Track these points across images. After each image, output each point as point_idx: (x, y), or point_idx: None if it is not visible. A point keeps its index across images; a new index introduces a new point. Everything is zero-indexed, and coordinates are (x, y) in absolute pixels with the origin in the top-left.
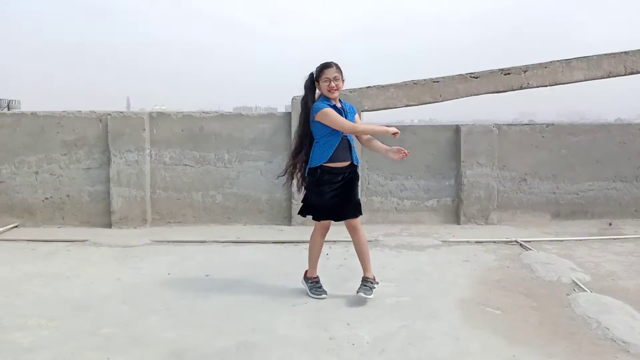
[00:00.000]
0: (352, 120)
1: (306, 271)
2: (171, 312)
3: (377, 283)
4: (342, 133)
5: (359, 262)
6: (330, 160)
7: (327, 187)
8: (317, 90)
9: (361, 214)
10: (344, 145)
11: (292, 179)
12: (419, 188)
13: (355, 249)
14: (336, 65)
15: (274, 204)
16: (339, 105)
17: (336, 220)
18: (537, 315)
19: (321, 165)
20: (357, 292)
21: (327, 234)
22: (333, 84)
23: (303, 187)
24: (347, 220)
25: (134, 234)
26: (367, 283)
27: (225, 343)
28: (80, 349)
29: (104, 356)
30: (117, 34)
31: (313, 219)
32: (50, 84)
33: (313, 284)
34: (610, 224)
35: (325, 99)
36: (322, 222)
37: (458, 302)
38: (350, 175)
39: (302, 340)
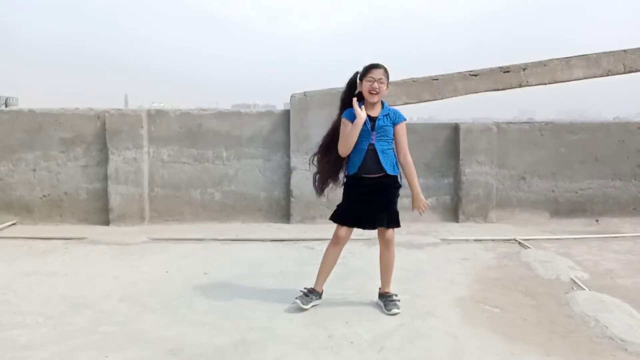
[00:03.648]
0: (388, 131)
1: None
2: (169, 310)
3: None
4: (367, 144)
5: (358, 260)
6: (360, 171)
7: (356, 193)
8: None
9: (397, 226)
10: (372, 156)
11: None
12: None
13: (381, 263)
14: (385, 68)
15: (272, 202)
16: (375, 112)
17: (362, 227)
18: (535, 313)
19: (354, 175)
20: (389, 310)
21: (327, 233)
22: (376, 85)
23: (321, 187)
24: (380, 230)
25: (131, 231)
26: (391, 298)
27: (224, 341)
28: (79, 346)
29: (102, 354)
30: (116, 32)
31: (335, 221)
32: (49, 81)
33: (306, 292)
34: (597, 221)
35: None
36: (340, 231)
37: (456, 300)
38: (384, 185)
39: (301, 338)
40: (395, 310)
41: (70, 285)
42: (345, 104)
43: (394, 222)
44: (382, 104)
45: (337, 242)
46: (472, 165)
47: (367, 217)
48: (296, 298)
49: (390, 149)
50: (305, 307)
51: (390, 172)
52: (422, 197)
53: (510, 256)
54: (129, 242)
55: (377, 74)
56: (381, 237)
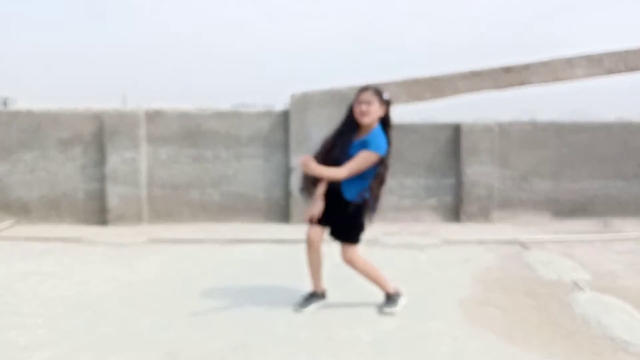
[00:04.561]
0: (350, 153)
1: None
2: (168, 311)
3: (400, 295)
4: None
5: None
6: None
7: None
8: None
9: (343, 240)
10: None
11: None
12: (419, 186)
13: None
14: (374, 89)
15: (272, 202)
16: (359, 136)
17: (323, 225)
18: (537, 314)
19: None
20: (380, 308)
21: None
22: (363, 107)
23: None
24: (341, 251)
25: (130, 232)
26: (388, 298)
27: (223, 343)
28: (77, 348)
29: (100, 356)
30: (115, 32)
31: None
32: (47, 81)
33: (306, 297)
34: (605, 224)
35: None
36: (310, 231)
37: (458, 301)
38: (334, 198)
39: (301, 340)
40: (385, 309)
41: (69, 286)
42: (346, 126)
43: (344, 236)
44: (373, 129)
45: (308, 244)
46: (474, 165)
47: (325, 219)
48: (296, 304)
49: (357, 178)
50: (304, 310)
51: (347, 196)
52: (315, 204)
53: (511, 257)
54: (128, 243)
55: (363, 96)
56: (342, 256)
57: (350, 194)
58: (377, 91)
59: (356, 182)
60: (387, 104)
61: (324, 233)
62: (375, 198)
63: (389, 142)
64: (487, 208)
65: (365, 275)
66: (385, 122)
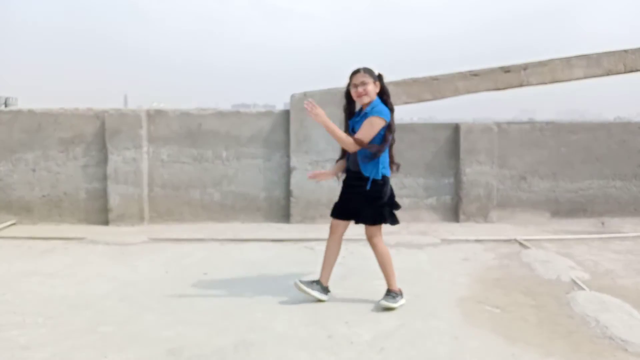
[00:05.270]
0: (356, 126)
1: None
2: (169, 310)
3: (401, 295)
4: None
5: (357, 260)
6: (347, 164)
7: (343, 185)
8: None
9: (371, 223)
10: (354, 153)
11: None
12: (418, 186)
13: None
14: (365, 69)
15: (272, 201)
16: (360, 113)
17: (343, 218)
18: (536, 313)
19: (346, 167)
20: (379, 301)
21: (326, 233)
22: (360, 90)
23: None
24: (364, 229)
25: (131, 231)
26: (389, 293)
27: (223, 341)
28: (78, 347)
29: (101, 354)
30: (116, 32)
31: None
32: (48, 81)
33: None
34: (603, 224)
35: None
36: (332, 222)
37: (457, 300)
38: (352, 182)
39: (301, 338)
40: (383, 303)
41: (70, 285)
42: (346, 113)
43: (367, 219)
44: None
45: (330, 232)
46: (473, 165)
47: (345, 208)
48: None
49: (369, 153)
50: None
51: (364, 172)
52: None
53: (510, 256)
54: (129, 242)
55: (356, 78)
56: (365, 235)
57: (367, 171)
58: (368, 70)
59: (373, 160)
60: (380, 78)
61: (347, 226)
62: (374, 154)
63: (391, 109)
64: (486, 207)
65: (380, 261)
66: (382, 93)
